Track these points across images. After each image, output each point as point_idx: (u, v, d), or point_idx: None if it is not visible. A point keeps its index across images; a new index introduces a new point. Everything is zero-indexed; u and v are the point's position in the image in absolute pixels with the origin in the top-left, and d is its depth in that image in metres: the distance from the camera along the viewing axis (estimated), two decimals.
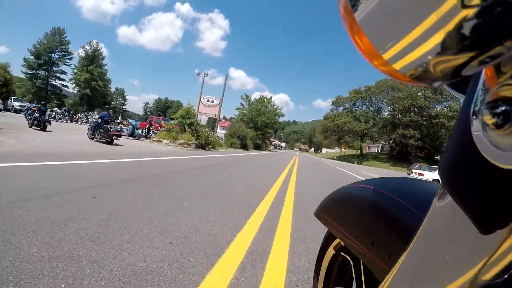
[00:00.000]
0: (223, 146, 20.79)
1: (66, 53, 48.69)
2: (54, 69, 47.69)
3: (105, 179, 3.42)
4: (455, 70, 0.22)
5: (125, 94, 67.08)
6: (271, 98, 43.27)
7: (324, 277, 0.83)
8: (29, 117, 11.42)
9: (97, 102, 46.70)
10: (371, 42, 0.24)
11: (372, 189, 0.61)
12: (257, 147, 36.57)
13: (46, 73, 46.72)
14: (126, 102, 66.33)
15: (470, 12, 0.19)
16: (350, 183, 0.74)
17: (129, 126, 16.43)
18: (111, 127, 10.44)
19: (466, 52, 0.20)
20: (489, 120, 0.23)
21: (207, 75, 21.41)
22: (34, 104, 12.91)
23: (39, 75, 46.32)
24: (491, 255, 0.25)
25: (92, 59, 49.12)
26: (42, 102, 13.08)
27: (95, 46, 49.59)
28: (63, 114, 24.07)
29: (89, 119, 22.20)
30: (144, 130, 17.59)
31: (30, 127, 10.93)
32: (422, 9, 0.21)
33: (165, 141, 15.18)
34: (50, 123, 11.15)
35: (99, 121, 10.70)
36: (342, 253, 0.76)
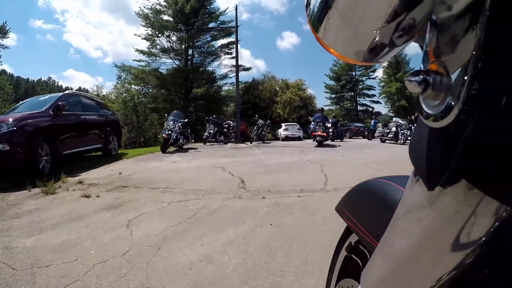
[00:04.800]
0: None
1: (368, 66, 41.04)
2: (360, 86, 41.59)
3: None
4: (390, 40, 0.29)
5: None
6: None
7: (339, 269, 0.82)
8: None
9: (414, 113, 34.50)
10: (329, 46, 0.33)
11: (392, 185, 0.59)
12: None
13: (352, 93, 41.65)
14: None
15: None
16: (373, 178, 0.69)
17: None
18: None
19: (390, 23, 0.27)
20: (412, 87, 0.27)
21: None
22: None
23: (344, 96, 41.84)
24: (446, 217, 0.27)
25: (397, 65, 39.80)
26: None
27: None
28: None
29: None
30: None
31: None
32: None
33: None
34: None
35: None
36: (357, 248, 0.74)
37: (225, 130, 13.78)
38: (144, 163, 6.76)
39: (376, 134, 13.56)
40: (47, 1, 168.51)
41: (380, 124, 14.32)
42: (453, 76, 0.25)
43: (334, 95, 42.35)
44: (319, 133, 10.06)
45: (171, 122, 9.62)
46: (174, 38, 23.57)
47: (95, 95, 26.27)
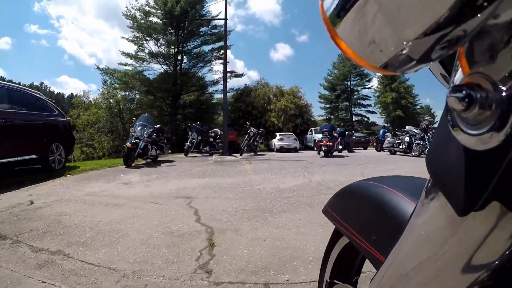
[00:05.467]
0: None
1: (363, 76, 40.25)
2: (355, 96, 40.54)
3: None
4: (423, 54, 0.24)
5: (432, 111, 49.74)
6: None
7: (330, 273, 0.79)
8: None
9: (410, 124, 34.57)
10: (347, 45, 0.28)
11: (381, 186, 0.58)
12: None
13: (347, 103, 40.69)
14: (435, 120, 48.65)
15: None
16: (360, 180, 0.68)
17: None
18: None
19: (428, 36, 0.22)
20: (455, 104, 0.23)
21: None
22: None
23: (339, 106, 40.51)
24: (472, 239, 0.25)
25: (392, 75, 38.90)
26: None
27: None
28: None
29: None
30: None
31: None
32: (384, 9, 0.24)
33: None
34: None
35: None
36: (347, 250, 0.74)
37: (211, 139, 11.69)
38: (85, 184, 4.64)
39: (385, 145, 11.58)
40: (43, 6, 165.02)
41: (389, 134, 12.42)
42: (504, 92, 0.21)
43: (329, 105, 41.04)
44: (325, 142, 9.17)
45: (138, 128, 7.48)
46: (162, 42, 21.74)
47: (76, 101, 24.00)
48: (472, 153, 0.24)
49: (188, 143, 10.98)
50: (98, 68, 21.69)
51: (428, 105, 51.10)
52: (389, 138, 11.40)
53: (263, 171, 5.81)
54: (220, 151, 11.17)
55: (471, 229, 0.25)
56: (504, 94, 0.21)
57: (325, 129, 9.76)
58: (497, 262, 0.24)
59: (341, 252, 0.75)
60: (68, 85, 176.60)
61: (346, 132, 13.98)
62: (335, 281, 0.77)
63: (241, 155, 10.31)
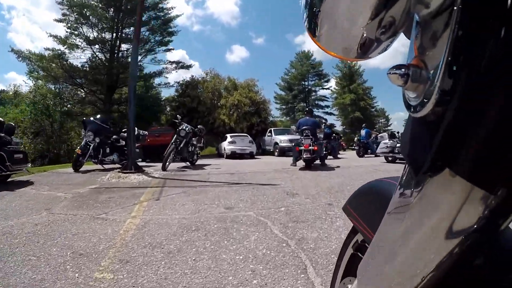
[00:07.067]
0: None
1: (321, 76, 39.22)
2: (312, 97, 39.14)
3: None
4: (376, 35, 0.31)
5: (386, 114, 50.01)
6: None
7: (345, 268, 0.80)
8: None
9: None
10: (319, 43, 0.36)
11: (394, 183, 0.58)
12: None
13: (304, 104, 38.71)
14: (389, 123, 49.19)
15: None
16: (382, 177, 0.65)
17: None
18: None
19: (374, 19, 0.30)
20: (394, 80, 0.28)
21: None
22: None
23: (296, 107, 38.75)
24: (434, 205, 0.28)
25: (351, 77, 38.84)
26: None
27: (348, 62, 37.57)
28: None
29: None
30: None
31: None
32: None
33: None
34: None
35: None
36: (363, 247, 0.73)
37: (124, 142, 7.19)
38: None
39: (380, 150, 8.23)
40: None
41: (385, 135, 9.31)
42: (431, 70, 0.26)
43: (285, 105, 38.95)
44: (306, 146, 6.01)
45: None
46: (97, 23, 16.62)
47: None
48: (418, 122, 0.30)
49: (79, 148, 6.40)
50: (12, 50, 16.16)
51: (382, 108, 51.48)
52: (386, 141, 8.12)
53: (157, 263, 1.77)
54: (139, 160, 6.76)
55: (432, 195, 0.27)
56: (432, 71, 0.25)
57: (305, 127, 6.35)
58: (463, 230, 0.25)
59: (357, 248, 0.74)
60: (16, 82, 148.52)
61: (334, 134, 10.63)
62: (349, 276, 0.77)
63: (163, 169, 6.08)
